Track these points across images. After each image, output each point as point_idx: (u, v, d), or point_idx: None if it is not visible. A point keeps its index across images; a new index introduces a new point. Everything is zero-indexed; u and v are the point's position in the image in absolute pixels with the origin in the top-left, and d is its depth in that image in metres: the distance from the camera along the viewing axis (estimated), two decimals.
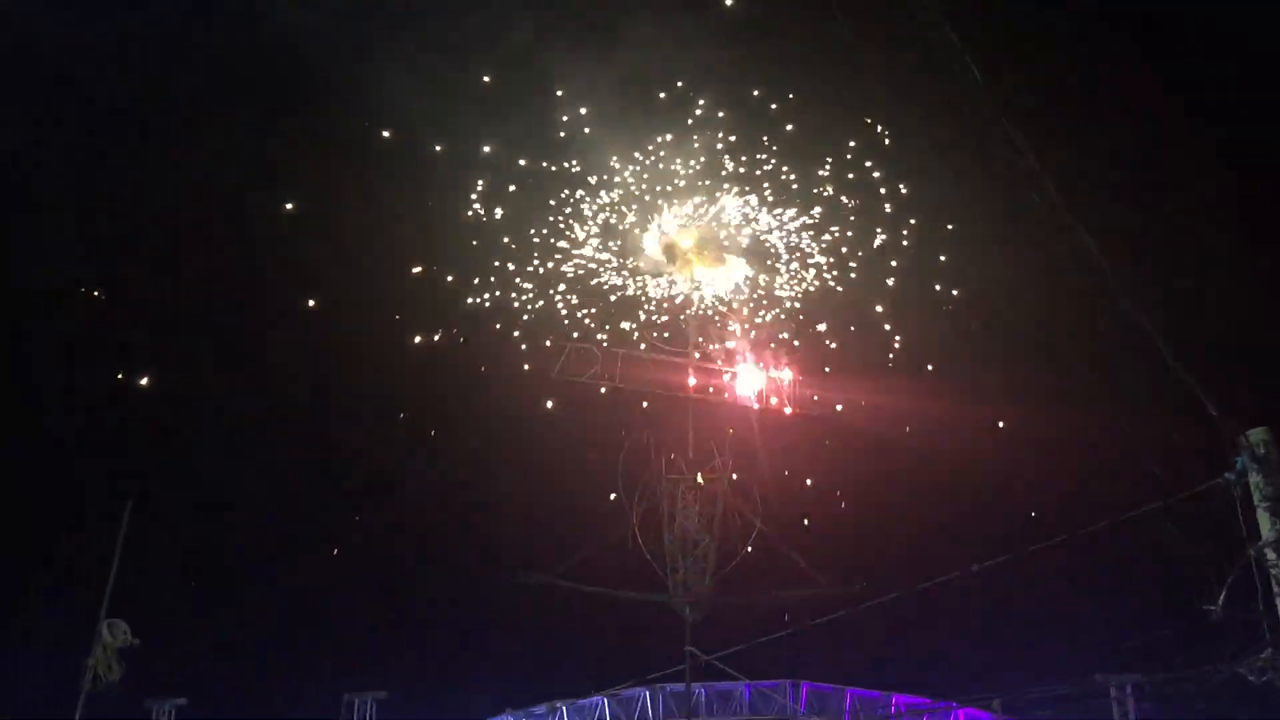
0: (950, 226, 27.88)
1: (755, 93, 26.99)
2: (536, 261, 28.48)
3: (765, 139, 27.42)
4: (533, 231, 28.23)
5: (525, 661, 38.43)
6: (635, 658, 32.59)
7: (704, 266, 29.03)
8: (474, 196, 27.93)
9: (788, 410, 29.41)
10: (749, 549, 28.55)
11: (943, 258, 28.47)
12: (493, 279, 28.54)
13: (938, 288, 28.93)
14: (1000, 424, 30.29)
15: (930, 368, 30.59)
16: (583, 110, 27.02)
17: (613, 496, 28.22)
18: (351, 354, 30.99)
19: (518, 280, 28.60)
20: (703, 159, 27.53)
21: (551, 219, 28.21)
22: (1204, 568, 10.82)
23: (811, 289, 29.69)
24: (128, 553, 18.52)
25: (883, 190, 27.98)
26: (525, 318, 29.19)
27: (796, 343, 29.88)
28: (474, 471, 31.51)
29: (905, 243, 28.59)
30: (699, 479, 28.00)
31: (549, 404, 29.51)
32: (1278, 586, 10.49)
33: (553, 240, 28.41)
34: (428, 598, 38.08)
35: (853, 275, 29.21)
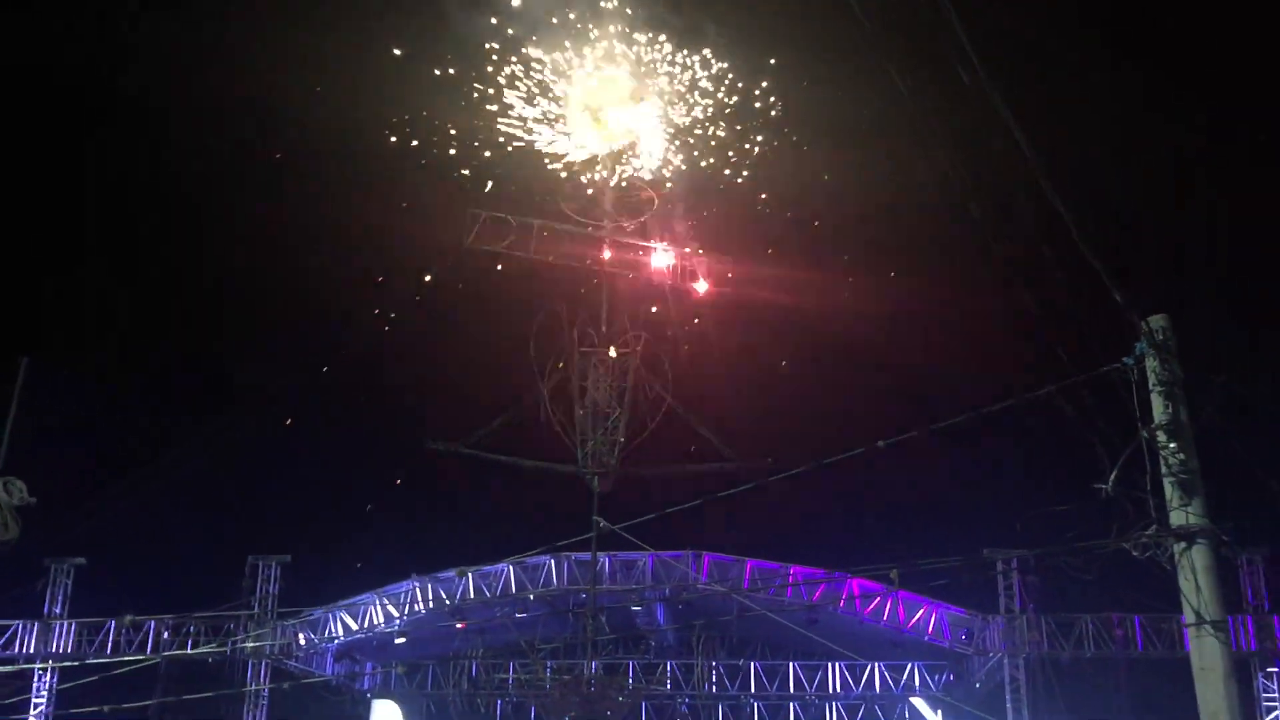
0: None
1: None
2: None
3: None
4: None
5: (432, 529, 38.82)
6: (543, 527, 33.14)
7: (617, 131, 28.51)
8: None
9: (702, 288, 29.52)
10: (658, 423, 28.89)
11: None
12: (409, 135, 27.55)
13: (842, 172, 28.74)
14: (912, 308, 30.83)
15: (844, 255, 30.85)
16: None
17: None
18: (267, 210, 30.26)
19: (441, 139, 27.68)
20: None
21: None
22: (1098, 448, 11.20)
23: (726, 170, 29.44)
24: (26, 411, 18.08)
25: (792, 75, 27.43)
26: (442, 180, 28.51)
27: (709, 220, 29.74)
28: (386, 339, 31.24)
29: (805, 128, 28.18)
30: (611, 352, 28.09)
31: (463, 273, 29.10)
32: (1165, 467, 10.92)
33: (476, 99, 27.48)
34: (337, 463, 38.08)
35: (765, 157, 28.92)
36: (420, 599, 34.23)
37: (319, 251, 32.74)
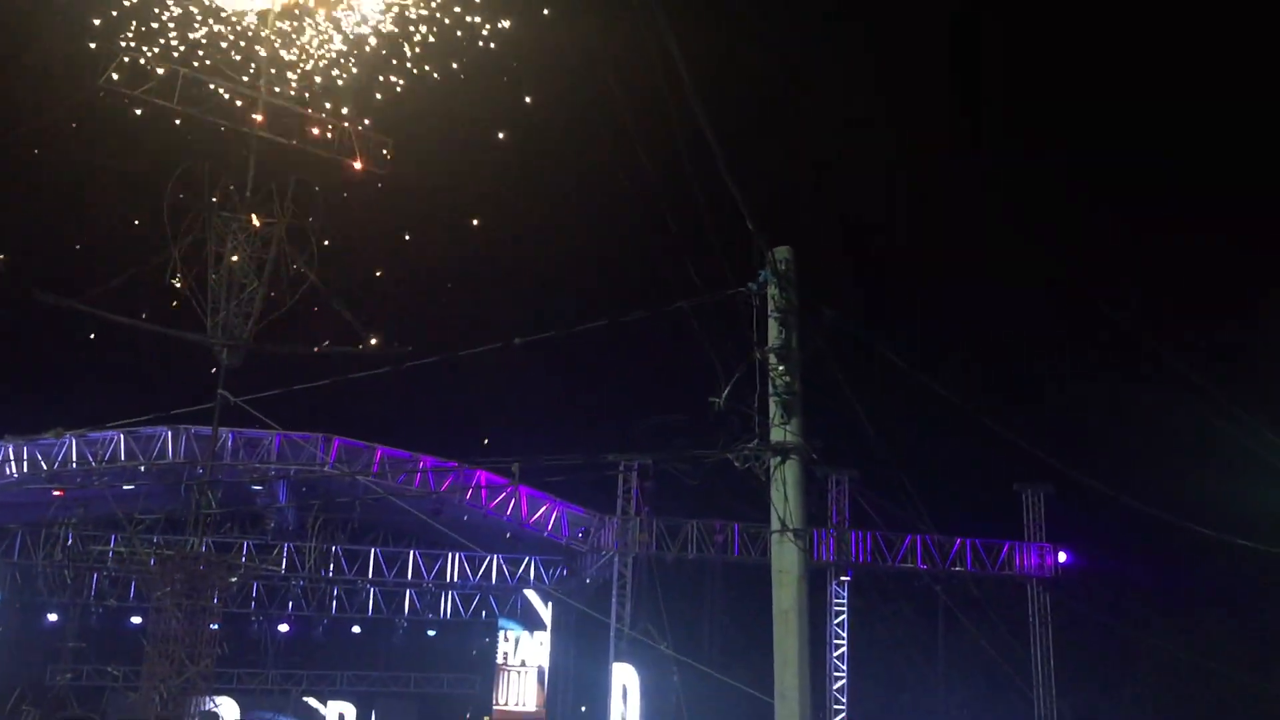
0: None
1: None
2: None
3: None
4: None
5: (34, 388, 35.76)
6: (161, 396, 31.24)
7: None
8: None
9: (357, 165, 28.49)
10: (297, 300, 27.84)
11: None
12: None
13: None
14: (567, 213, 31.29)
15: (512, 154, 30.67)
16: None
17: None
18: None
19: None
20: None
21: None
22: (717, 365, 11.95)
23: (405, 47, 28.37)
24: None
25: None
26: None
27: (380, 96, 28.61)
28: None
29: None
30: (254, 221, 26.68)
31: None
32: (773, 388, 11.81)
33: None
34: None
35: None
36: (13, 461, 31.50)
37: None
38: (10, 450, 31.33)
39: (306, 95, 27.73)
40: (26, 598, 35.11)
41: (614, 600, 33.12)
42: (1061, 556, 35.32)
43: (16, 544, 34.69)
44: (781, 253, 11.91)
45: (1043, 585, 35.19)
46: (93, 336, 29.77)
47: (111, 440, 31.52)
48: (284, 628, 37.65)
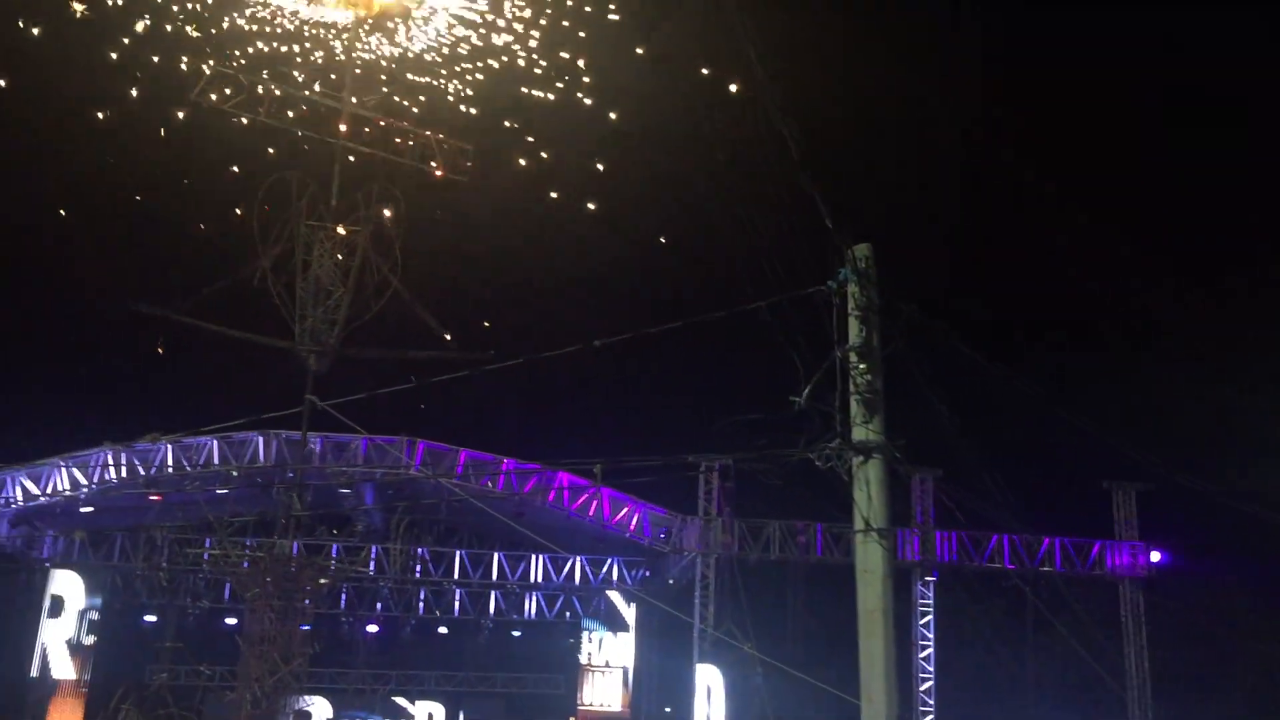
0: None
1: None
2: None
3: None
4: None
5: (131, 395, 36.82)
6: (252, 402, 31.97)
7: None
8: None
9: (438, 172, 28.87)
10: (382, 306, 28.30)
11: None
12: None
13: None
14: (642, 213, 31.35)
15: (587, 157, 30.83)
16: None
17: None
18: None
19: None
20: None
21: None
22: (797, 363, 11.90)
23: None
24: None
25: None
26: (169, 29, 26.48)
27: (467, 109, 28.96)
28: (97, 188, 29.00)
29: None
30: (340, 228, 27.19)
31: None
32: (854, 387, 11.73)
33: None
34: (27, 318, 35.33)
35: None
36: (112, 467, 32.50)
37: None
38: (110, 456, 32.34)
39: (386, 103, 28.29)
40: (126, 600, 36.16)
41: (697, 601, 33.12)
42: (1155, 556, 34.49)
43: (116, 548, 35.78)
44: (861, 250, 11.82)
45: (1135, 585, 34.41)
46: (187, 344, 30.60)
47: (205, 445, 32.37)
48: (373, 628, 38.24)
